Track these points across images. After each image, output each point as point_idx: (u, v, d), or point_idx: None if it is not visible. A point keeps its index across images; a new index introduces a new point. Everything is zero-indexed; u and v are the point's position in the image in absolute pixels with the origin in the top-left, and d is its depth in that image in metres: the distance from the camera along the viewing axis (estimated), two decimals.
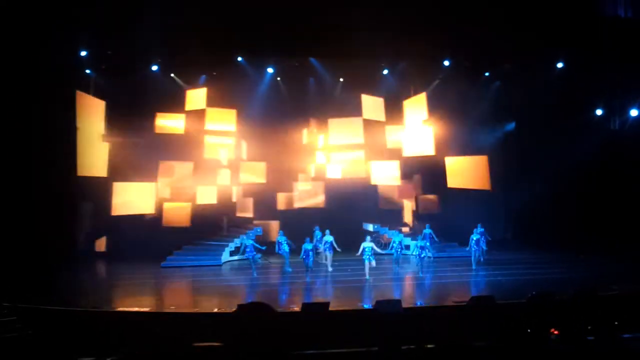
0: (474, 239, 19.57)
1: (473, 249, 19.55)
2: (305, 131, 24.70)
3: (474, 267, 19.33)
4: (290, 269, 18.82)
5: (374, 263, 17.42)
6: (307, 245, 17.40)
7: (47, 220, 15.98)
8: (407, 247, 21.36)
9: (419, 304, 15.13)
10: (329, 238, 18.73)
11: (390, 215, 24.50)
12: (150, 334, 11.95)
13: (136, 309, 14.56)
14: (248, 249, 18.09)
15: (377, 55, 21.90)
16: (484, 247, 19.94)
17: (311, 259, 17.38)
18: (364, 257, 17.44)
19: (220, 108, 23.28)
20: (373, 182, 24.71)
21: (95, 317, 13.44)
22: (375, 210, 24.62)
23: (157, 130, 22.63)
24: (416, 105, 24.00)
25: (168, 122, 22.95)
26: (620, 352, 7.57)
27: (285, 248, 18.90)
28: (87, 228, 22.33)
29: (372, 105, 24.19)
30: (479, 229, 19.98)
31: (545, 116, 22.71)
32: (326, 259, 19.05)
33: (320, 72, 23.39)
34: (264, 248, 18.86)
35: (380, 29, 18.16)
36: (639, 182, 20.21)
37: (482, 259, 20.01)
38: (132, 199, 22.56)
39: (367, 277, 17.43)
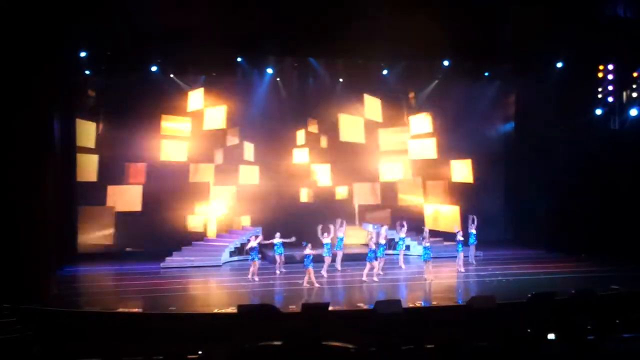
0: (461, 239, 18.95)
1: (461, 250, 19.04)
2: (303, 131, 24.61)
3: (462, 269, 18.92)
4: (284, 270, 18.85)
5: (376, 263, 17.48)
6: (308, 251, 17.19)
7: (47, 221, 15.95)
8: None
9: (418, 304, 15.12)
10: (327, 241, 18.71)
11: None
12: (151, 335, 11.97)
13: (136, 310, 14.58)
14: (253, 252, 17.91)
15: (376, 55, 21.89)
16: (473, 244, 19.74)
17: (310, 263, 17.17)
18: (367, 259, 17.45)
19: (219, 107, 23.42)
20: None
21: (95, 318, 13.45)
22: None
23: (162, 132, 22.81)
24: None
25: (172, 125, 23.08)
26: (621, 352, 7.56)
27: (281, 251, 18.94)
28: (86, 229, 22.34)
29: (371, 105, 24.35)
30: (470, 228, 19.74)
31: (544, 116, 22.69)
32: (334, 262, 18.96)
33: (319, 72, 23.39)
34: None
35: (379, 28, 18.15)
36: (638, 182, 20.18)
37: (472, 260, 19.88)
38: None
39: (364, 277, 17.44)
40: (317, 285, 16.86)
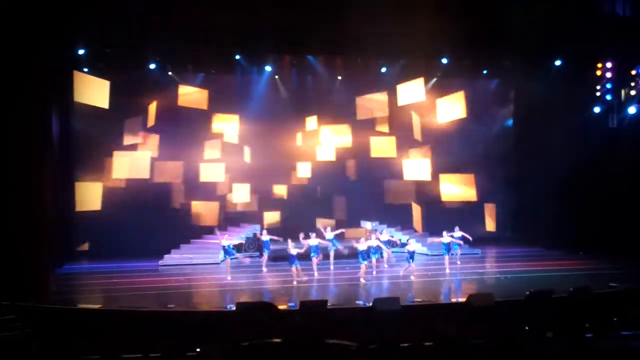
0: (448, 242, 18.71)
1: (450, 253, 18.85)
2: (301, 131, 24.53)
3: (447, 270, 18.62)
4: (265, 269, 18.88)
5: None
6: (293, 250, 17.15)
7: (46, 219, 15.96)
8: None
9: (417, 301, 15.12)
10: (330, 235, 18.86)
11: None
12: (150, 332, 11.98)
13: (135, 308, 14.58)
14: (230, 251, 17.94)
15: (375, 52, 21.86)
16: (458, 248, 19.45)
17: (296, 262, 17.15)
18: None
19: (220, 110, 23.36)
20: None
21: (94, 315, 13.47)
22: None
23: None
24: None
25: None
26: (618, 350, 7.57)
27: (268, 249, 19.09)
28: (85, 227, 22.34)
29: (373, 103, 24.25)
30: (455, 232, 19.44)
31: (543, 113, 22.70)
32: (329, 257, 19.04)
33: (318, 70, 23.38)
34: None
35: (378, 26, 18.15)
36: (636, 180, 20.20)
37: (457, 262, 19.60)
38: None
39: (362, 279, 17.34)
40: (304, 278, 16.91)
